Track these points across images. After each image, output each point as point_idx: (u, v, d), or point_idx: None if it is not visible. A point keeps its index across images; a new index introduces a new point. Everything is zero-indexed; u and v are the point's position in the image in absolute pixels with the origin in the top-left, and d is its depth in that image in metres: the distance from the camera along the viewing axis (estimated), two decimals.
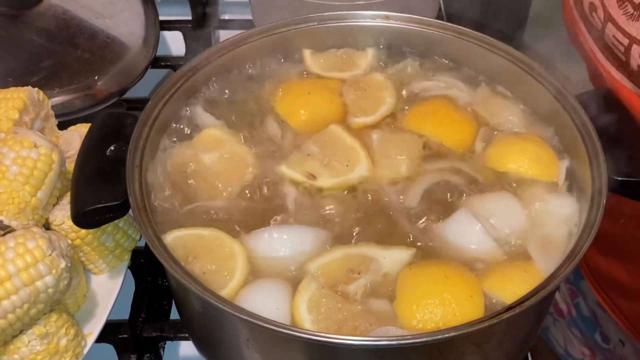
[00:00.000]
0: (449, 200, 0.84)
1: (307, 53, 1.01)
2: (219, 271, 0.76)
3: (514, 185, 0.85)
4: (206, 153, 0.87)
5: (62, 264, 0.80)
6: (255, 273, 0.78)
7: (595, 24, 0.92)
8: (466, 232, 0.80)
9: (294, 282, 0.76)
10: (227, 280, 0.76)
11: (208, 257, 0.77)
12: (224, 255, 0.77)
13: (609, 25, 0.88)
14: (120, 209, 0.77)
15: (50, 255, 0.79)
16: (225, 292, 0.75)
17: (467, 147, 0.90)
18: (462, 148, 0.90)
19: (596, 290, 1.11)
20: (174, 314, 1.00)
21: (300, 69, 1.00)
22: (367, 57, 1.01)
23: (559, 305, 1.22)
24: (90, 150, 0.82)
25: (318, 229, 0.80)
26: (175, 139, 0.90)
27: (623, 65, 0.88)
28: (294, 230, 0.80)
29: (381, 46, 1.01)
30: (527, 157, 0.86)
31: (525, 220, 0.81)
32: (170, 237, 0.79)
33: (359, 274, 0.76)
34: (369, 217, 0.82)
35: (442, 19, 1.01)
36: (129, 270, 0.98)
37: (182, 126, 0.92)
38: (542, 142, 0.88)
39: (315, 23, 0.99)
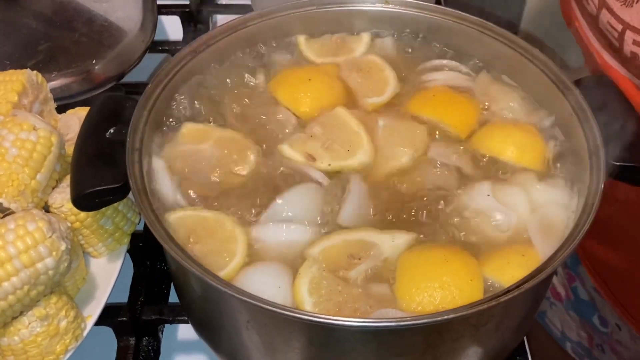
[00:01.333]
0: (452, 186, 0.84)
1: (301, 39, 1.00)
2: (219, 252, 0.76)
3: (509, 172, 0.85)
4: (202, 140, 0.87)
5: (63, 246, 0.80)
6: (256, 256, 0.78)
7: (590, 10, 0.92)
8: (478, 203, 0.81)
9: (294, 266, 0.76)
10: (227, 261, 0.76)
11: (209, 238, 0.77)
12: (225, 238, 0.77)
13: (604, 11, 0.88)
14: (120, 192, 0.77)
15: (50, 237, 0.79)
16: (224, 273, 0.75)
17: (470, 131, 0.90)
18: (466, 133, 0.90)
19: (592, 275, 1.12)
20: (173, 298, 1.00)
21: (297, 55, 0.99)
22: (362, 41, 1.00)
23: (557, 289, 1.23)
24: (89, 132, 0.81)
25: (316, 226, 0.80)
26: (173, 124, 0.90)
27: (617, 51, 0.89)
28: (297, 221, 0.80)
29: (380, 31, 1.00)
30: (515, 145, 0.86)
31: (526, 205, 0.81)
32: (171, 219, 0.79)
33: (359, 259, 0.76)
34: (373, 203, 0.82)
35: (441, 4, 1.01)
36: (127, 254, 0.98)
37: (178, 112, 0.91)
38: (533, 129, 0.88)
39: (314, 7, 0.98)
